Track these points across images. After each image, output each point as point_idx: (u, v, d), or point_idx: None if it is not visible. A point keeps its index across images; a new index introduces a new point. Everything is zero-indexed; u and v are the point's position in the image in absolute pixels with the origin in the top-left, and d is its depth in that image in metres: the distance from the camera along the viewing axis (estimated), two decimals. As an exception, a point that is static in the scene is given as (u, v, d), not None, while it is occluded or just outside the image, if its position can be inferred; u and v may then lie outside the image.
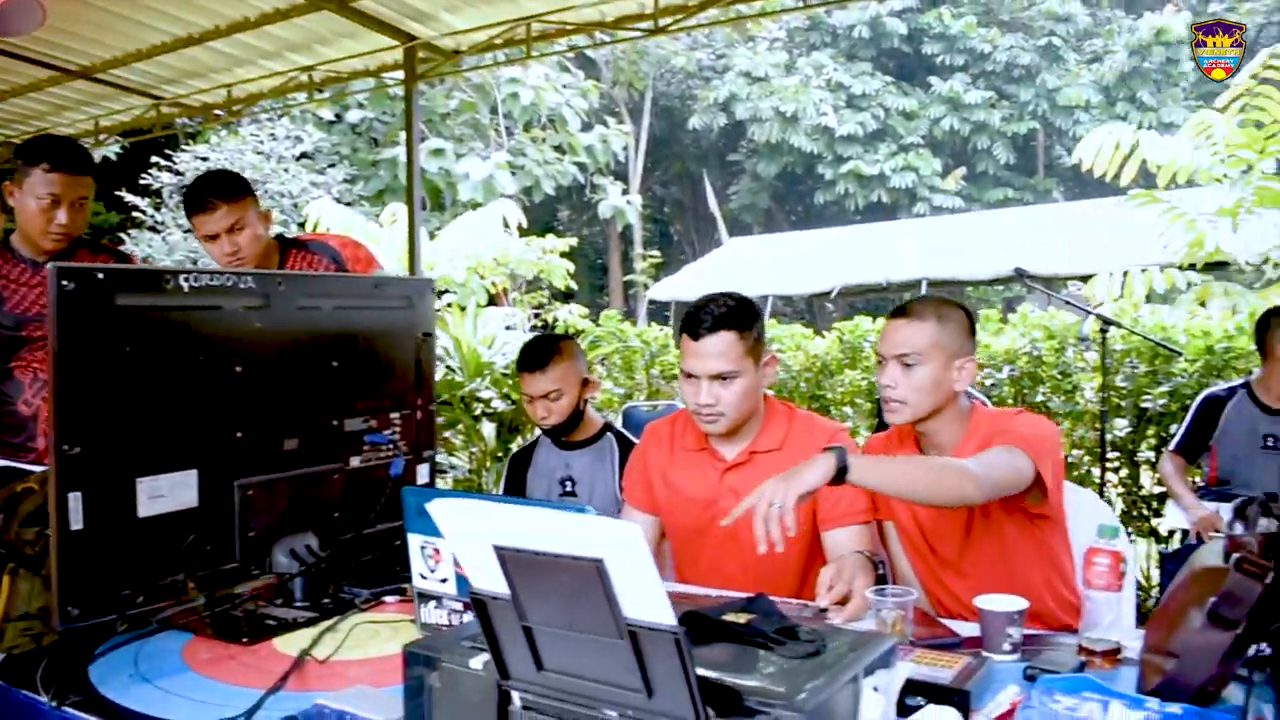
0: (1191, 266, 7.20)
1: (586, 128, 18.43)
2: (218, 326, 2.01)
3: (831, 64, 22.82)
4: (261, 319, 2.08)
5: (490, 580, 1.17)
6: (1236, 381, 4.20)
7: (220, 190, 2.89)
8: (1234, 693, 1.52)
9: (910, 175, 21.70)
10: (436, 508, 1.20)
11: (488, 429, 6.25)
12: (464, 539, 1.21)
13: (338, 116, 16.41)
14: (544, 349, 2.88)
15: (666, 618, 1.06)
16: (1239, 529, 1.64)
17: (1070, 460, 5.04)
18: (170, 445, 1.91)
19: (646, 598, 1.06)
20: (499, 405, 6.31)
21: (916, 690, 1.47)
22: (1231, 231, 6.91)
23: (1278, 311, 3.89)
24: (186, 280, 1.94)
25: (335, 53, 5.92)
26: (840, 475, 1.79)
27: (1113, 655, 1.72)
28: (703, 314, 2.27)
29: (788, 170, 23.25)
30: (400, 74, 5.89)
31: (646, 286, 17.94)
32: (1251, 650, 1.50)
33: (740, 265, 15.66)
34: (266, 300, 2.09)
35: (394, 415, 2.35)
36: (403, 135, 10.98)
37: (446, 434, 6.37)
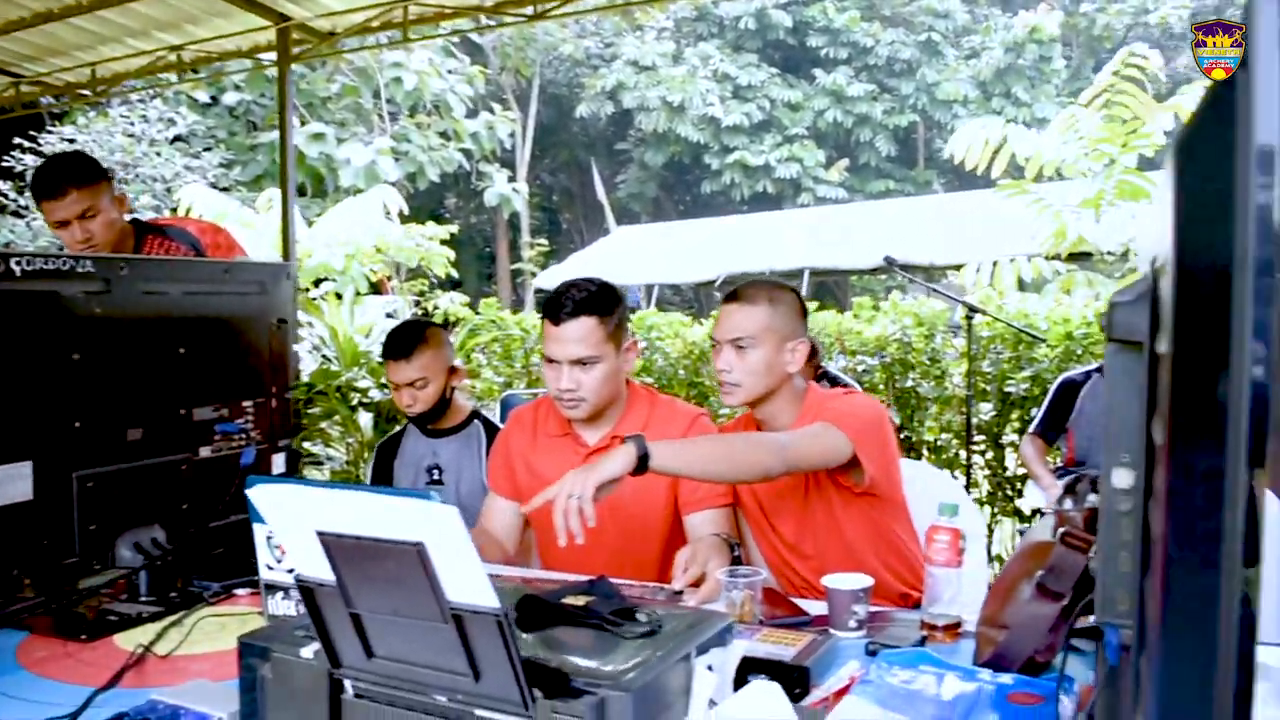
0: (1057, 256, 7.46)
1: (472, 114, 18.22)
2: (53, 312, 1.93)
3: (718, 55, 23.00)
4: (102, 304, 2.01)
5: (316, 567, 1.15)
6: (1092, 366, 4.37)
7: (72, 175, 2.78)
8: (1075, 666, 1.58)
9: (795, 166, 22.02)
10: (257, 494, 1.17)
11: (365, 419, 6.12)
12: (288, 525, 1.18)
13: (214, 99, 15.91)
14: (409, 337, 2.84)
15: (489, 600, 1.05)
16: (1068, 504, 1.70)
17: (939, 444, 5.19)
18: (1, 436, 1.83)
19: (468, 580, 1.05)
20: (376, 395, 6.20)
21: (759, 668, 1.50)
22: (1094, 222, 7.19)
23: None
24: (18, 264, 1.86)
25: (206, 32, 5.74)
26: (642, 463, 1.82)
27: (953, 629, 1.77)
28: (563, 299, 2.27)
29: (675, 160, 23.37)
30: (274, 55, 5.74)
31: (534, 275, 17.85)
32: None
33: (628, 254, 15.70)
34: (107, 285, 2.02)
35: (246, 404, 2.30)
36: (281, 119, 10.71)
37: (323, 424, 6.23)
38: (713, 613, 1.36)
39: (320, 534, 1.11)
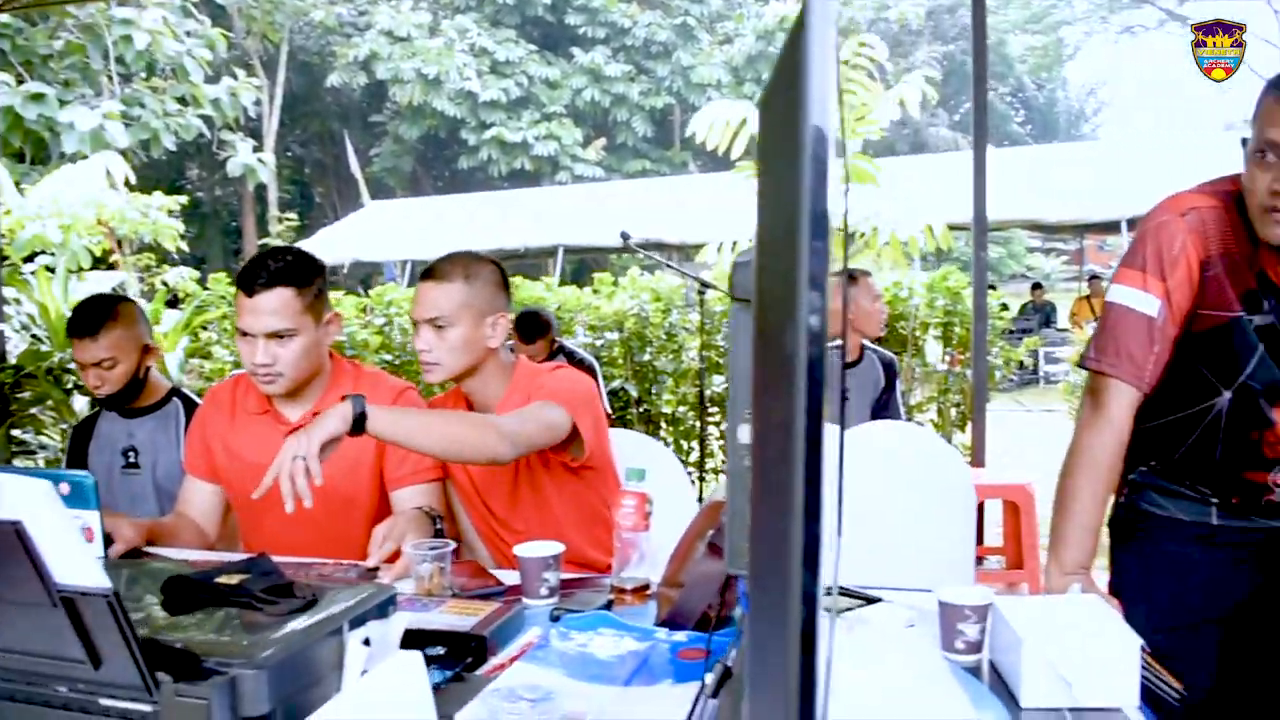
0: (792, 235, 7.79)
1: (214, 79, 17.22)
2: None
3: (476, 29, 22.74)
4: None
5: (-90, 555, 1.05)
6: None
7: None
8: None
9: (553, 144, 22.09)
10: None
11: (80, 403, 5.73)
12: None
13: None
14: (96, 313, 2.64)
15: (98, 580, 0.99)
16: (748, 466, 1.78)
17: (676, 415, 5.34)
18: None
19: (76, 561, 0.99)
20: (93, 376, 5.80)
21: (437, 640, 1.49)
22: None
23: (846, 274, 4.28)
24: None
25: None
26: (360, 424, 1.80)
27: (641, 591, 1.81)
28: (257, 269, 2.17)
29: (431, 134, 22.98)
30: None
31: (283, 250, 17.07)
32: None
33: (382, 229, 15.34)
34: None
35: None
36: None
37: (34, 410, 5.78)
38: (379, 586, 1.33)
39: (-91, 517, 1.01)
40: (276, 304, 2.15)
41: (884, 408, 4.27)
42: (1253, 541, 1.87)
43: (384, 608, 1.29)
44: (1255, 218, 1.63)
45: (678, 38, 23.50)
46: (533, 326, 4.65)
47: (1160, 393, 1.77)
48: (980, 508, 5.03)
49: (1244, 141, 1.64)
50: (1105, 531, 2.02)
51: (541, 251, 13.12)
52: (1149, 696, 1.58)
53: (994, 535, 5.20)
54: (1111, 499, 1.97)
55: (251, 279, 2.16)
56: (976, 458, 4.96)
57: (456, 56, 21.92)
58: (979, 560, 5.00)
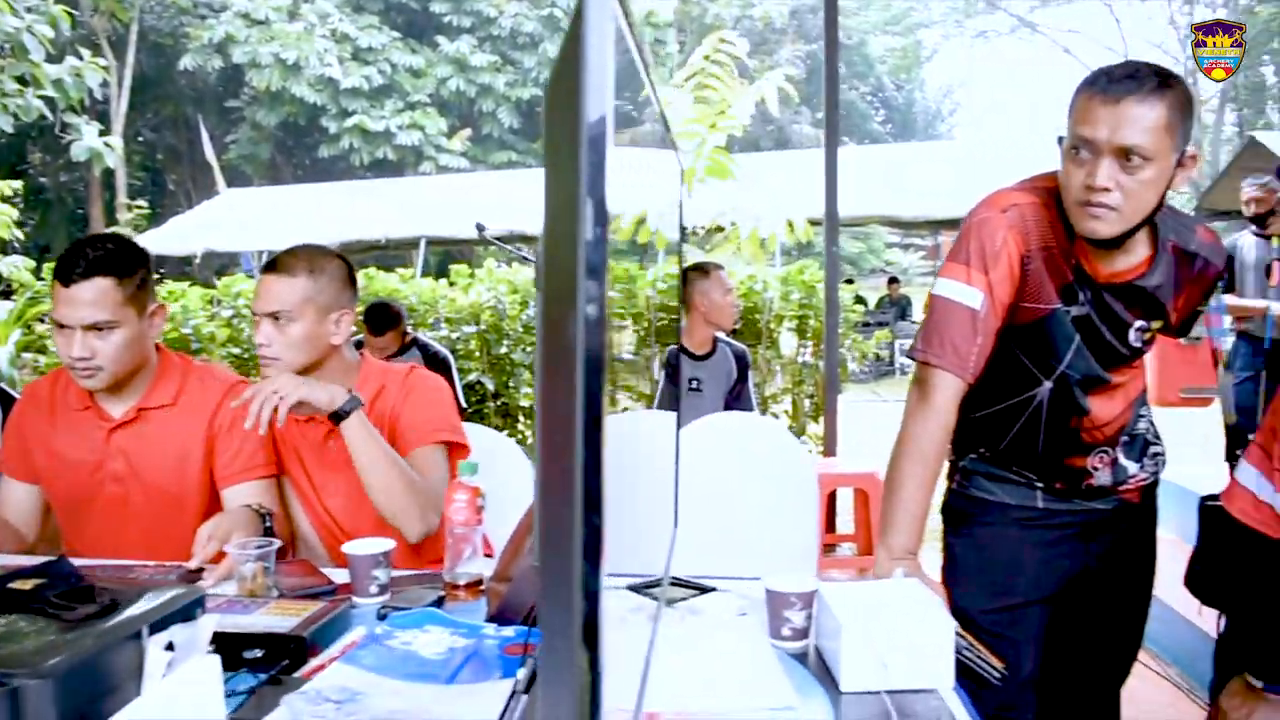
0: (650, 228, 7.84)
1: (56, 59, 16.39)
2: None
3: (337, 14, 22.18)
4: None
5: None
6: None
7: None
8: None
9: (417, 133, 21.71)
10: None
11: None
12: None
13: None
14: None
15: None
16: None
17: (534, 409, 5.31)
18: None
19: None
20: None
21: (253, 642, 1.44)
22: (687, 197, 7.62)
23: (696, 267, 4.32)
24: None
25: None
26: (342, 415, 1.99)
27: (475, 587, 1.79)
28: (75, 258, 2.06)
29: (290, 121, 22.33)
30: None
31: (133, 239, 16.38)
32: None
33: (238, 218, 14.82)
34: None
35: None
36: None
37: None
38: (185, 589, 1.28)
39: None
40: (94, 295, 2.05)
41: (737, 399, 4.33)
42: (1076, 523, 1.97)
43: (189, 610, 1.24)
44: (1070, 212, 1.69)
45: (545, 29, 23.37)
46: (382, 318, 4.57)
47: (986, 383, 1.83)
48: (832, 496, 5.16)
49: (1060, 139, 1.70)
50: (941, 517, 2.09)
51: (404, 243, 12.88)
52: (972, 675, 1.64)
53: (847, 523, 5.33)
54: (945, 485, 2.04)
55: (69, 268, 2.05)
56: (829, 447, 5.08)
57: (317, 42, 21.33)
58: (832, 548, 5.13)
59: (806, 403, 5.62)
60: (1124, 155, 1.60)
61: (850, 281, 15.46)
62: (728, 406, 4.23)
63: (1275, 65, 28.88)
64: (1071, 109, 1.67)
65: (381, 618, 1.64)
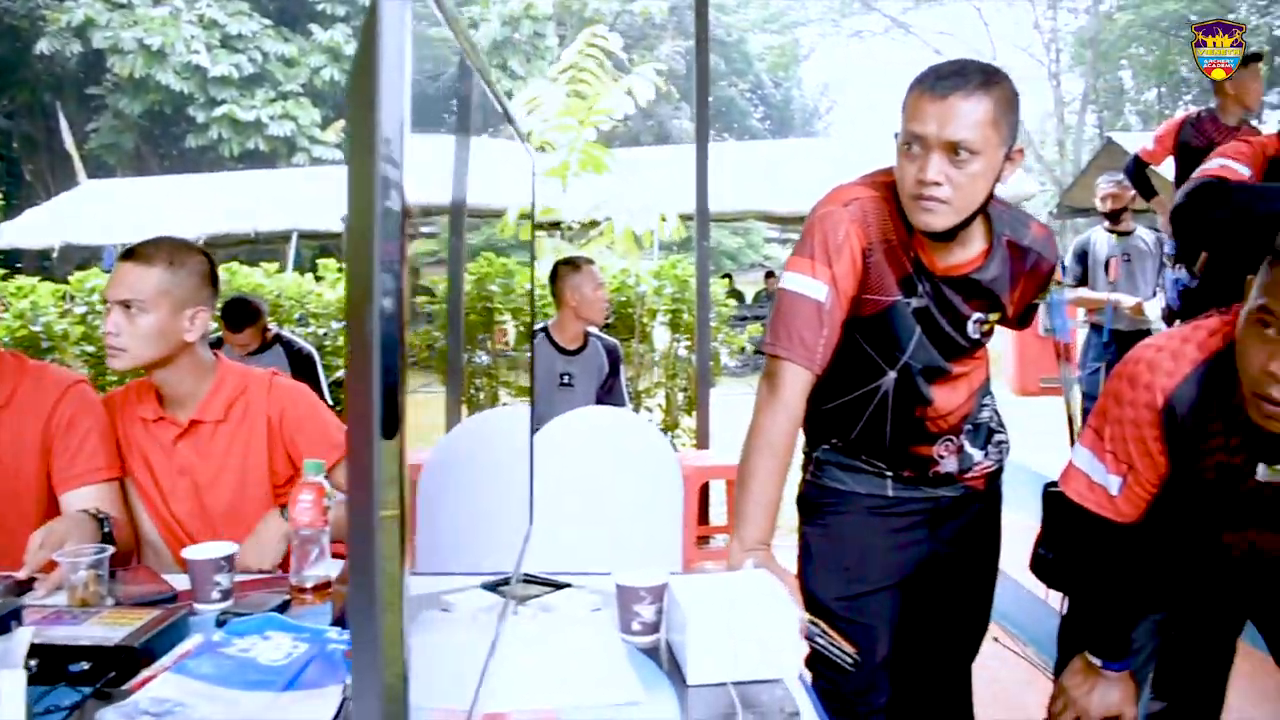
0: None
1: (-102, 41, 15.53)
2: None
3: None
4: None
5: None
6: (538, 325, 4.60)
7: None
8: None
9: (289, 124, 21.18)
10: None
11: None
12: None
13: None
14: None
15: None
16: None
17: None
18: None
19: None
20: None
21: (79, 655, 1.38)
22: (561, 191, 7.61)
23: (566, 262, 4.30)
24: None
25: None
26: None
27: (323, 589, 1.75)
28: None
29: (156, 109, 21.53)
30: None
31: (-15, 231, 15.62)
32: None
33: (99, 210, 14.25)
34: None
35: None
36: None
37: None
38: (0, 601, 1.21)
39: None
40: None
41: (609, 393, 4.33)
42: (925, 510, 2.02)
43: (3, 624, 1.18)
44: (905, 206, 1.73)
45: (423, 19, 23.05)
46: (240, 314, 4.43)
47: (834, 374, 1.86)
48: (705, 488, 5.20)
49: (896, 135, 1.74)
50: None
51: (275, 236, 12.56)
52: (826, 662, 1.67)
53: (720, 515, 5.39)
54: (799, 476, 2.07)
55: None
56: (701, 440, 5.12)
57: (183, 28, 20.61)
58: (705, 539, 5.17)
59: (680, 396, 5.66)
60: (952, 150, 1.64)
61: (728, 276, 15.61)
62: (600, 401, 4.23)
63: (1133, 70, 30.19)
64: (904, 106, 1.71)
65: (221, 624, 1.58)
